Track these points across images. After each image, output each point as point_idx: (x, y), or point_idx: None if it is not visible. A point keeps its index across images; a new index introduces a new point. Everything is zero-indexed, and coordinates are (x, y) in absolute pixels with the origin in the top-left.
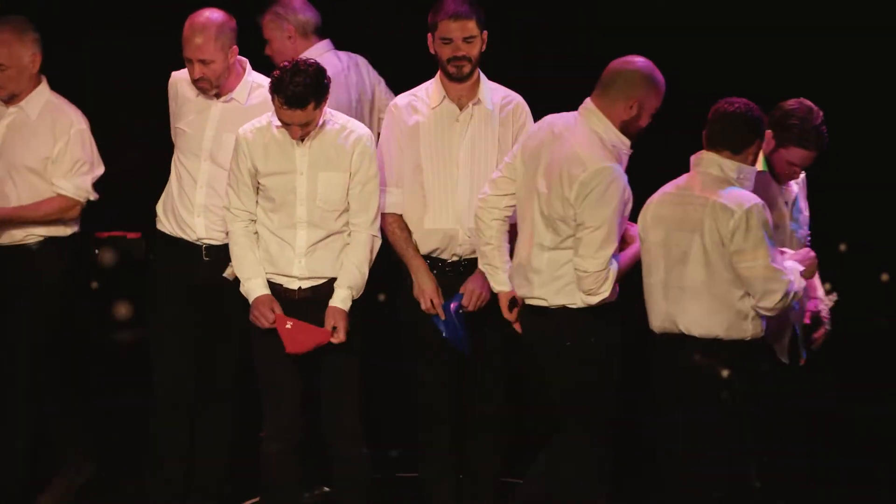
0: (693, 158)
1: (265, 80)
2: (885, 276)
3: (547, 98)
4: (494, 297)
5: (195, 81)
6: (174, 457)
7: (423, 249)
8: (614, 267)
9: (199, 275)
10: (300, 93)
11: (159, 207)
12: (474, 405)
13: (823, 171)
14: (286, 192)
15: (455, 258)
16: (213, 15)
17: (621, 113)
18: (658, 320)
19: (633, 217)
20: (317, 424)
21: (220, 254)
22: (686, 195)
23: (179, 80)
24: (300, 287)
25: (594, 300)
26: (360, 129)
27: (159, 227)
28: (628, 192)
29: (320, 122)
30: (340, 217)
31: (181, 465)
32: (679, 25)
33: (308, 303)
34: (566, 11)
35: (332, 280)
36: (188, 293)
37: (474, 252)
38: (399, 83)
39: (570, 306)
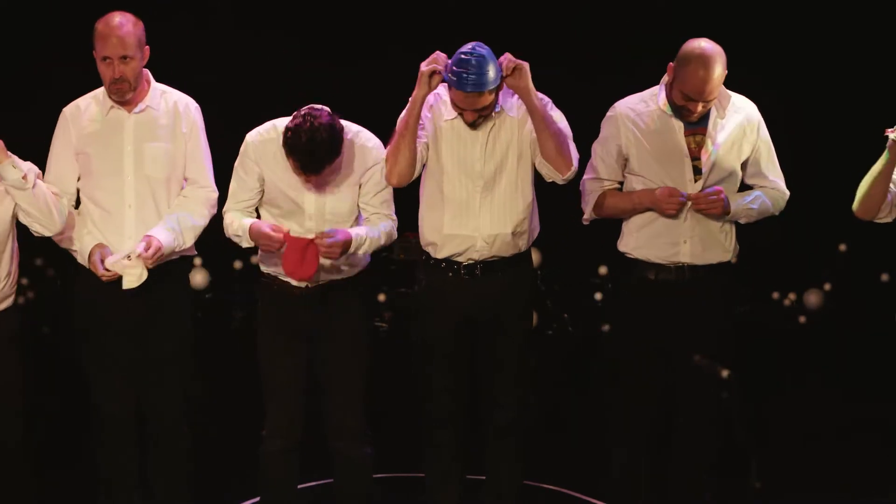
0: None
1: (169, 88)
2: (884, 276)
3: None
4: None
5: (113, 83)
6: (125, 484)
7: (440, 253)
8: (583, 188)
9: (129, 304)
10: (317, 162)
11: (76, 244)
12: (490, 414)
13: (825, 171)
14: (293, 207)
15: (470, 261)
16: (126, 14)
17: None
18: None
19: None
20: (317, 422)
21: (150, 278)
22: None
23: (80, 108)
24: (307, 286)
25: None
26: (370, 141)
27: (79, 259)
28: (605, 130)
29: None
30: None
31: (133, 491)
32: None
33: (310, 298)
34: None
35: (342, 279)
36: (120, 322)
37: (492, 257)
38: None
39: None
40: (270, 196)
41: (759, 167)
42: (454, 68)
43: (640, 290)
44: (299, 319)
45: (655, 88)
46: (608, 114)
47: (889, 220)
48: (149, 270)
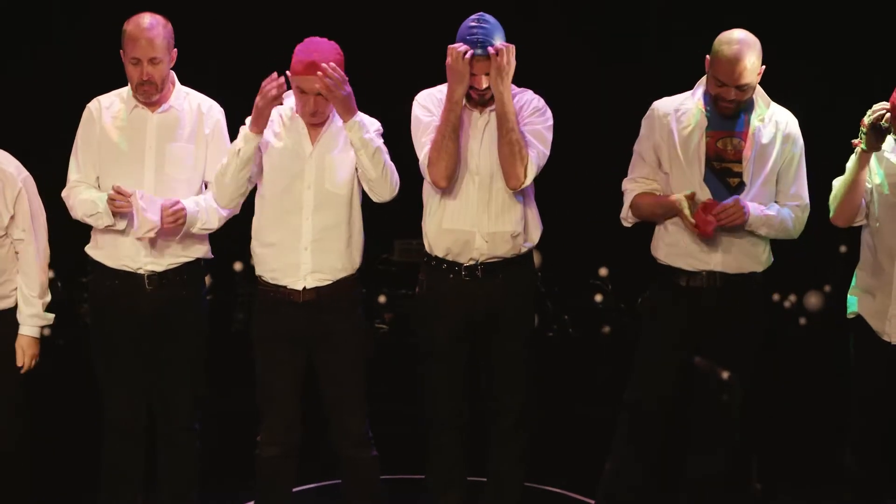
0: None
1: (192, 91)
2: None
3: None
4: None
5: (140, 85)
6: (129, 486)
7: (439, 250)
8: (623, 188)
9: (143, 306)
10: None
11: (90, 247)
12: (492, 416)
13: (825, 171)
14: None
15: (472, 262)
16: (155, 16)
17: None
18: None
19: None
20: (316, 424)
21: (163, 281)
22: None
23: (104, 105)
24: (305, 287)
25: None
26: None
27: (95, 257)
28: (642, 130)
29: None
30: (349, 202)
31: (136, 492)
32: None
33: (312, 307)
34: None
35: (339, 281)
36: (132, 325)
37: (492, 257)
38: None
39: None
40: (270, 167)
41: (786, 176)
42: (462, 35)
43: (670, 295)
44: (298, 325)
45: (696, 88)
46: (647, 114)
47: (863, 223)
48: (165, 273)
